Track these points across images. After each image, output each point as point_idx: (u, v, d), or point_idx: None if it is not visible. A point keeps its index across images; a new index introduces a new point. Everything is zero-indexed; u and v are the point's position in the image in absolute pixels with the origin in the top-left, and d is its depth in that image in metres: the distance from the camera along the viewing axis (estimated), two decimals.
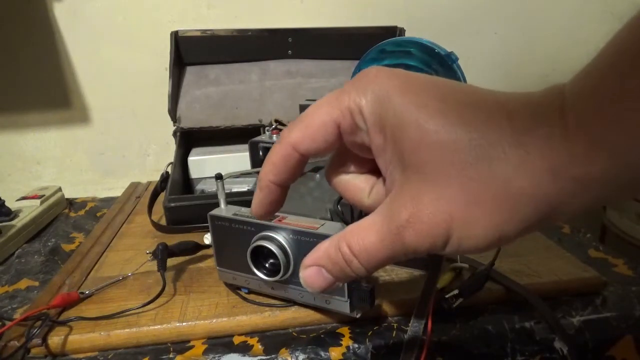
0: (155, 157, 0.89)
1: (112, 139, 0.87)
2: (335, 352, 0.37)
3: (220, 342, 0.39)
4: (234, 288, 0.43)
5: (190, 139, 0.76)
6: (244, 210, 0.40)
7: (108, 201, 0.76)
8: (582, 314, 0.41)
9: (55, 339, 0.38)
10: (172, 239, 0.50)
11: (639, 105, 0.14)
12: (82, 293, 0.44)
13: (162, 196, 0.64)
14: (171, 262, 0.48)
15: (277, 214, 0.39)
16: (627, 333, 0.40)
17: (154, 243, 0.52)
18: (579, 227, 0.58)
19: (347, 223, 0.36)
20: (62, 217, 0.70)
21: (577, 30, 0.94)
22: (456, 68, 0.54)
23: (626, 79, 0.15)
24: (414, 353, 0.35)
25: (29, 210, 0.64)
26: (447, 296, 0.39)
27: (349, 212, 0.43)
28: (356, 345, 0.37)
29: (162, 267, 0.45)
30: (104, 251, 0.54)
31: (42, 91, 0.82)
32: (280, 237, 0.36)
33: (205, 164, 0.70)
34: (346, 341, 0.38)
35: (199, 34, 0.76)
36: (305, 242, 0.36)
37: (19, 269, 0.53)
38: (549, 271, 0.45)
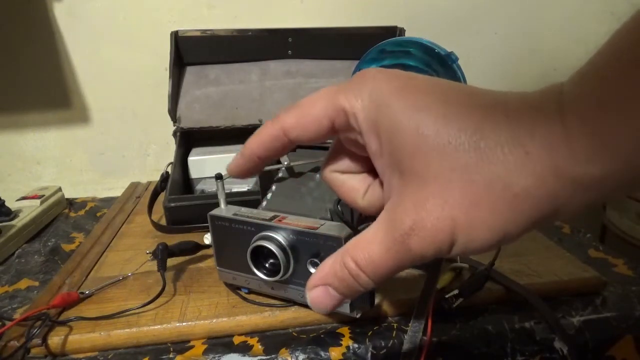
0: (155, 157, 0.89)
1: (112, 139, 0.87)
2: (335, 352, 0.37)
3: (220, 342, 0.39)
4: (234, 288, 0.43)
5: (190, 139, 0.76)
6: (244, 210, 0.40)
7: (108, 201, 0.76)
8: (582, 314, 0.41)
9: (55, 339, 0.38)
10: (172, 239, 0.50)
11: None
12: (82, 293, 0.44)
13: (162, 196, 0.64)
14: (171, 262, 0.48)
15: (277, 213, 0.39)
16: (627, 333, 0.40)
17: (154, 243, 0.52)
18: (579, 227, 0.58)
19: (347, 223, 0.36)
20: (62, 217, 0.70)
21: (577, 30, 0.94)
22: (456, 68, 0.54)
23: (627, 79, 0.15)
24: (414, 353, 0.35)
25: (29, 210, 0.64)
26: (447, 296, 0.39)
27: (349, 212, 0.42)
28: (356, 345, 0.37)
29: (162, 267, 0.45)
30: (104, 251, 0.54)
31: (42, 91, 0.82)
32: (280, 237, 0.36)
33: (205, 164, 0.70)
34: (346, 341, 0.38)
35: (199, 34, 0.76)
36: (305, 242, 0.36)
37: (19, 269, 0.53)
38: (549, 271, 0.45)
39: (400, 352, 0.36)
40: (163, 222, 0.60)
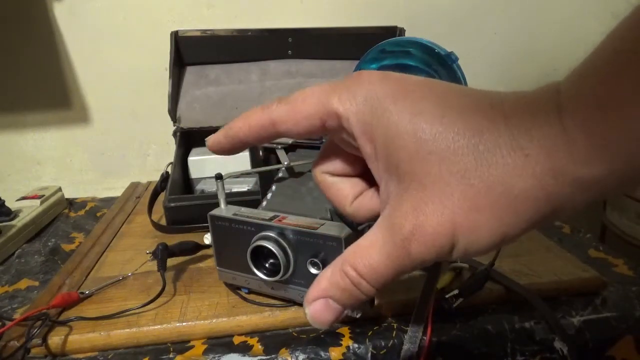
0: (155, 157, 0.89)
1: (112, 139, 0.87)
2: (335, 352, 0.37)
3: (220, 342, 0.39)
4: (234, 288, 0.43)
5: (190, 139, 0.76)
6: (244, 210, 0.40)
7: (108, 201, 0.76)
8: (582, 314, 0.41)
9: (55, 339, 0.38)
10: (172, 239, 0.50)
11: None
12: (82, 293, 0.44)
13: (162, 196, 0.64)
14: (171, 262, 0.48)
15: (277, 213, 0.39)
16: (627, 333, 0.40)
17: (154, 243, 0.51)
18: (579, 227, 0.58)
19: (347, 223, 0.36)
20: (62, 217, 0.70)
21: (577, 30, 0.94)
22: (456, 68, 0.54)
23: (626, 79, 0.15)
24: (414, 353, 0.35)
25: (29, 210, 0.64)
26: (447, 296, 0.39)
27: None
28: (356, 345, 0.37)
29: (162, 267, 0.45)
30: (104, 251, 0.54)
31: (42, 91, 0.82)
32: (280, 237, 0.36)
33: (205, 164, 0.70)
34: (346, 341, 0.38)
35: (199, 34, 0.76)
36: (306, 242, 0.36)
37: (19, 269, 0.53)
38: (549, 271, 0.45)
39: (400, 352, 0.36)
40: (163, 222, 0.60)
